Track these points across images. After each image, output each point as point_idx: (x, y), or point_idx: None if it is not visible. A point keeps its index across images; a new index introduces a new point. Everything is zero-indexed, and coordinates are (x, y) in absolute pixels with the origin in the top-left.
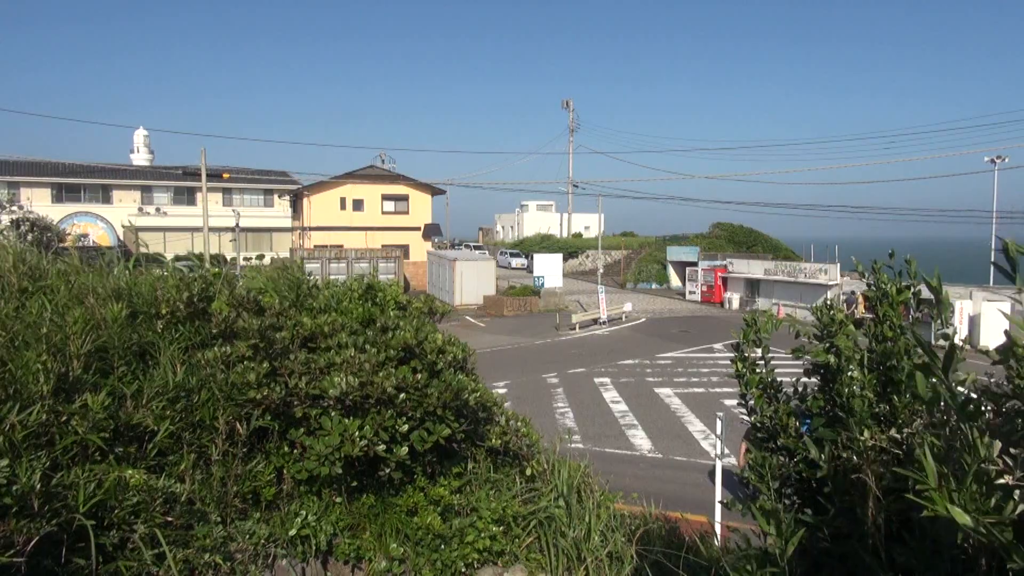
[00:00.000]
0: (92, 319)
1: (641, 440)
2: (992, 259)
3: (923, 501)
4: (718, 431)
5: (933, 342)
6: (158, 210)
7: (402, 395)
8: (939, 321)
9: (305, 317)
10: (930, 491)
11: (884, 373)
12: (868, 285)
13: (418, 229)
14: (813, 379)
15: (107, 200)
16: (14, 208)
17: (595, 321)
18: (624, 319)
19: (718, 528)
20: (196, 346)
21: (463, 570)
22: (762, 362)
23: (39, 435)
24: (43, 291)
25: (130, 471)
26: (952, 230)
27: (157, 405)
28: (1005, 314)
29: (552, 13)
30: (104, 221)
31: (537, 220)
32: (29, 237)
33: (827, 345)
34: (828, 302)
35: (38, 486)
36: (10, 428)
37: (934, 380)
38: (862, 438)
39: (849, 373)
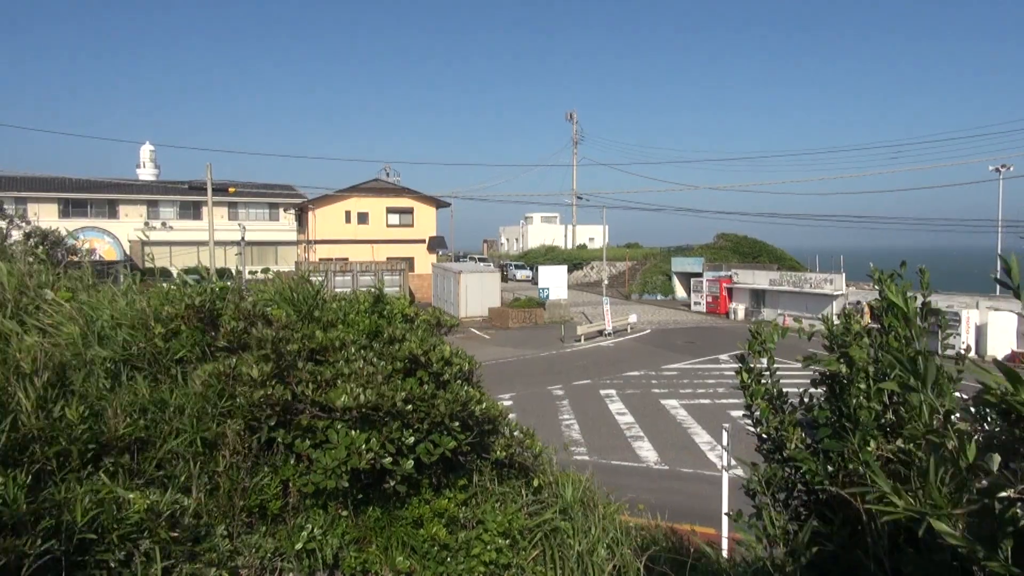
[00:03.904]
0: (92, 331)
1: (647, 452)
2: (997, 268)
3: (884, 507)
4: (724, 442)
5: (940, 352)
6: (164, 224)
7: (409, 407)
8: (912, 334)
9: (315, 330)
10: (888, 496)
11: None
12: (880, 296)
13: (423, 242)
14: (820, 389)
15: (114, 215)
16: (23, 224)
17: (600, 333)
18: (629, 330)
19: (725, 540)
20: (201, 358)
21: None
22: (767, 373)
23: (23, 449)
24: (45, 304)
25: (133, 495)
26: (958, 239)
27: (157, 416)
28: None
29: (555, 27)
30: (111, 236)
31: (541, 232)
32: (39, 250)
33: (839, 355)
34: (845, 311)
35: (28, 503)
36: None
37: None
38: (868, 449)
39: (857, 384)
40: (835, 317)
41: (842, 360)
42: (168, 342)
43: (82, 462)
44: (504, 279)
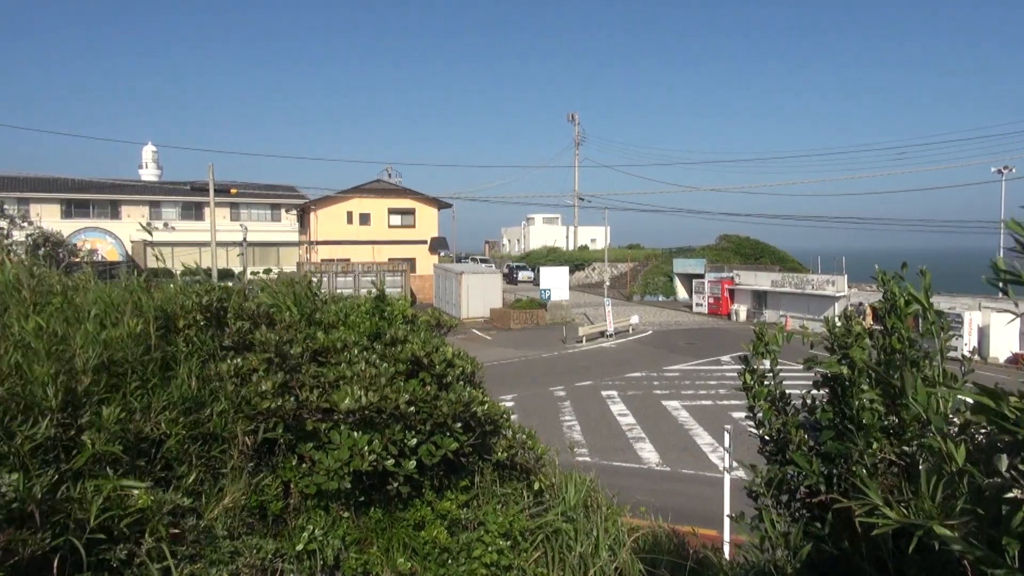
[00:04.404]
0: (104, 332)
1: (649, 453)
2: (1002, 268)
3: (874, 518)
4: (726, 444)
5: (942, 354)
6: (166, 225)
7: (412, 408)
8: (928, 333)
9: (317, 331)
10: (879, 508)
11: (892, 385)
12: (883, 295)
13: (424, 243)
14: (822, 391)
15: (116, 215)
16: (24, 224)
17: (602, 334)
18: (631, 332)
19: (727, 542)
20: (208, 358)
21: None
22: (770, 374)
23: (48, 449)
24: (54, 305)
25: (138, 491)
26: (961, 240)
27: (169, 416)
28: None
29: (557, 28)
30: (113, 236)
31: (543, 233)
32: (41, 252)
33: (840, 357)
34: (847, 313)
35: (45, 499)
36: (19, 442)
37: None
38: (871, 451)
39: (859, 386)
40: (836, 319)
41: (843, 362)
42: (186, 341)
43: (104, 463)
44: (513, 282)
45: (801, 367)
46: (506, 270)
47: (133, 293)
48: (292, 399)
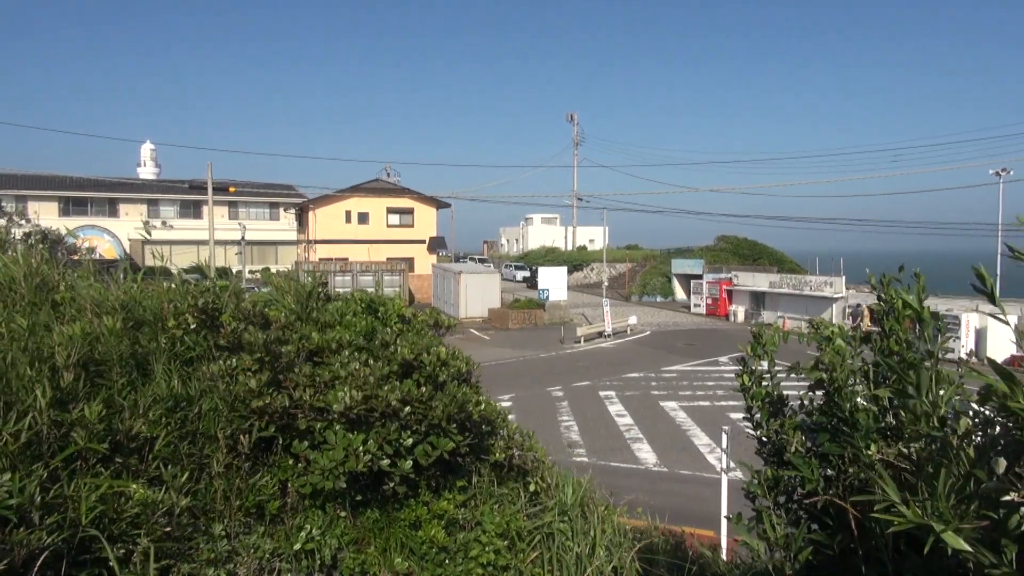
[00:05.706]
0: (94, 330)
1: (646, 454)
2: (998, 272)
3: (891, 516)
4: (724, 445)
5: (941, 355)
6: (164, 223)
7: (407, 408)
8: (923, 338)
9: (312, 331)
10: (896, 506)
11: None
12: (879, 298)
13: (423, 242)
14: (819, 392)
15: (114, 214)
16: (21, 222)
17: (600, 334)
18: (629, 332)
19: (724, 543)
20: (201, 358)
21: None
22: (768, 376)
23: (37, 446)
24: (50, 303)
25: (133, 486)
26: (960, 243)
27: (155, 415)
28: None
29: (557, 28)
30: (111, 234)
31: (542, 233)
32: (37, 249)
33: (815, 363)
34: (854, 312)
35: (38, 498)
36: (6, 440)
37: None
38: (868, 452)
39: (852, 387)
40: (832, 320)
41: (820, 367)
42: (181, 341)
43: (93, 462)
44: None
45: (788, 372)
46: (528, 272)
47: (125, 292)
48: (284, 397)
